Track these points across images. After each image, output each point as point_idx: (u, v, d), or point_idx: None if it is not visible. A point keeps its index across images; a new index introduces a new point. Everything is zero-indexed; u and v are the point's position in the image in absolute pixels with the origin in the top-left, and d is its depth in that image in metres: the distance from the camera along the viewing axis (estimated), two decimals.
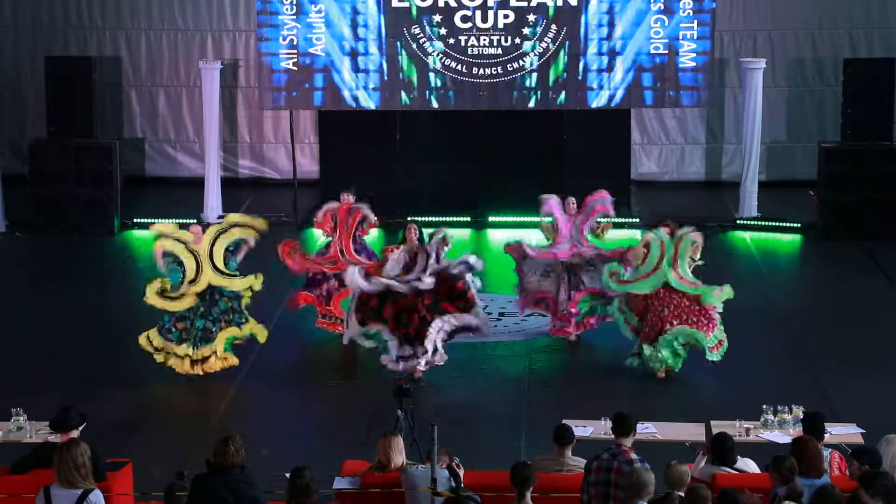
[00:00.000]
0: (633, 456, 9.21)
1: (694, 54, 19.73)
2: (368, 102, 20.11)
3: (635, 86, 19.88)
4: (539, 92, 19.96)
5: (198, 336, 13.93)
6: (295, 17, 19.82)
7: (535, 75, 19.89)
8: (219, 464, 9.02)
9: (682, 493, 8.70)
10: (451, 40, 19.82)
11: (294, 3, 19.78)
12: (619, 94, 19.94)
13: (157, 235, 14.10)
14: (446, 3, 19.76)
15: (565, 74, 19.88)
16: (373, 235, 16.09)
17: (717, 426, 11.16)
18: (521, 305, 15.46)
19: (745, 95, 20.53)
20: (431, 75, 19.94)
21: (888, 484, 8.40)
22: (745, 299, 16.46)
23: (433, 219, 19.12)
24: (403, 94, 20.04)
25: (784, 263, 19.11)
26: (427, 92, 20.02)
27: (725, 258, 18.66)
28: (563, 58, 19.83)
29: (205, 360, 14.00)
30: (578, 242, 14.98)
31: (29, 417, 11.48)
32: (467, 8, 19.76)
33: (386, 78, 19.97)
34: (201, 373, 14.03)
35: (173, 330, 13.96)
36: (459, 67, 19.87)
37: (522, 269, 15.20)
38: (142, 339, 14.03)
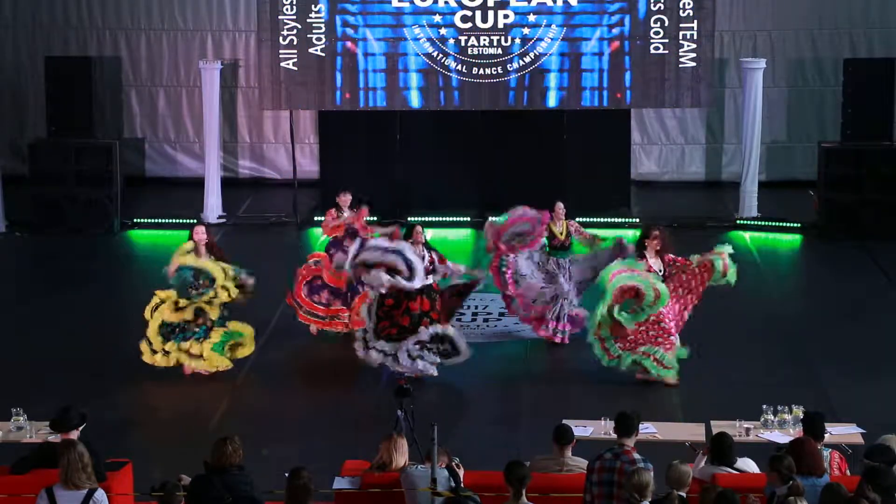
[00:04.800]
0: (636, 456, 9.21)
1: (694, 54, 19.73)
2: (369, 102, 20.11)
3: (635, 86, 19.89)
4: (539, 92, 19.95)
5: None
6: (295, 16, 19.82)
7: (534, 75, 19.88)
8: (216, 464, 9.04)
9: (682, 494, 8.71)
10: (451, 40, 19.82)
11: (294, 2, 19.79)
12: (619, 94, 19.94)
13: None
14: (446, 3, 19.76)
15: (565, 74, 19.88)
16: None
17: (717, 426, 11.16)
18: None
19: (745, 95, 20.53)
20: (431, 75, 19.94)
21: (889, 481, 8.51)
22: (744, 299, 16.50)
23: (433, 219, 19.20)
24: (403, 95, 20.03)
25: (784, 263, 19.10)
26: (427, 92, 20.02)
27: None
28: (562, 58, 19.83)
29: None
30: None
31: (29, 417, 11.49)
32: (467, 8, 19.77)
33: (386, 78, 19.96)
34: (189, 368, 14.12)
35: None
36: (459, 67, 19.87)
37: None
38: (148, 353, 14.09)
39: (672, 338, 13.83)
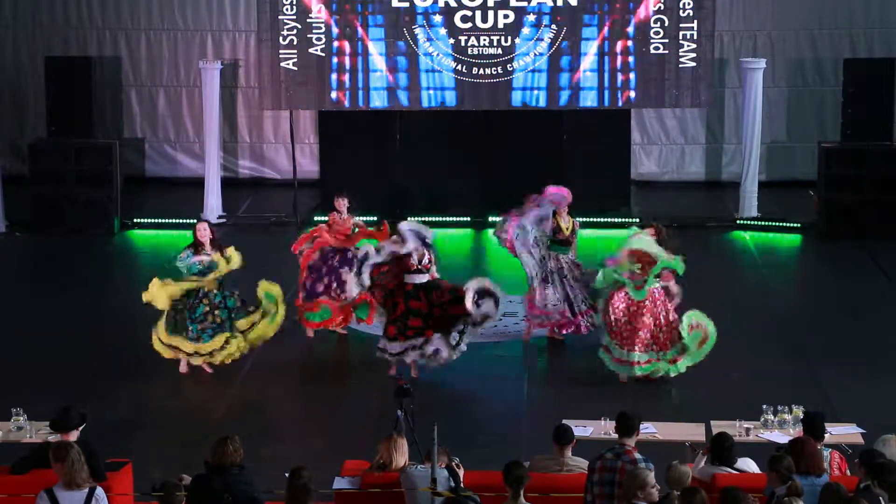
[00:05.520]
0: (637, 455, 9.21)
1: (694, 54, 19.73)
2: (369, 103, 20.10)
3: (635, 86, 19.88)
4: (539, 92, 19.96)
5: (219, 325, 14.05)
6: (295, 17, 19.82)
7: (534, 75, 19.89)
8: (217, 463, 9.05)
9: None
10: (451, 40, 19.82)
11: (294, 3, 19.78)
12: (619, 93, 19.94)
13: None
14: (446, 3, 19.76)
15: (565, 74, 19.87)
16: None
17: (717, 426, 11.16)
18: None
19: (745, 95, 20.52)
20: (431, 75, 19.93)
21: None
22: (744, 299, 16.50)
23: (433, 219, 19.19)
24: (403, 94, 20.03)
25: (784, 263, 19.10)
26: (427, 92, 20.02)
27: (725, 258, 18.68)
28: (562, 57, 19.83)
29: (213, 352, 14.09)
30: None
31: (29, 417, 11.49)
32: (467, 8, 19.76)
33: (386, 78, 19.96)
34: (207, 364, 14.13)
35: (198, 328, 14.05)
36: (459, 67, 19.87)
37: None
38: (156, 344, 14.10)
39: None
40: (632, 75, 19.86)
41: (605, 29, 19.76)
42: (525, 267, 15.04)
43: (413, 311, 13.90)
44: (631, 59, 19.80)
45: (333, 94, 20.08)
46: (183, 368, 14.20)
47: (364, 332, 15.32)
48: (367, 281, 13.92)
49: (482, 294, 13.87)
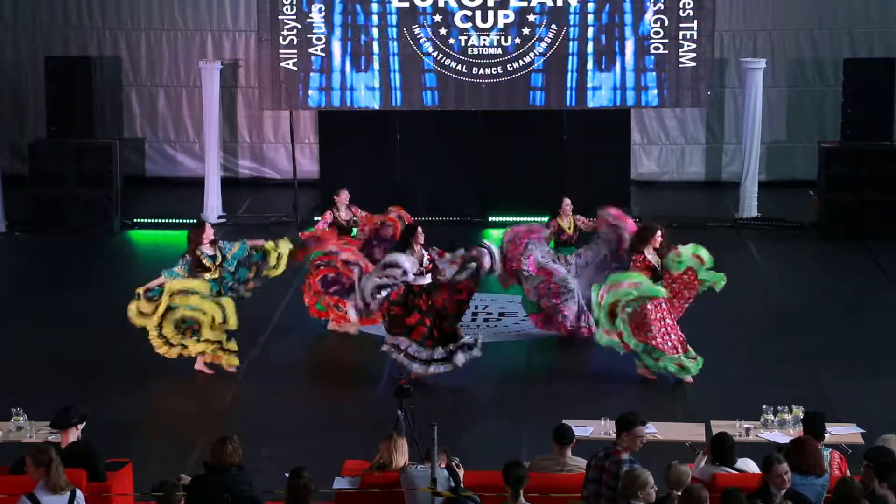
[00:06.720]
0: (624, 456, 9.22)
1: (694, 54, 19.73)
2: (368, 102, 20.10)
3: (635, 86, 19.88)
4: (539, 92, 19.95)
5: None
6: (295, 17, 19.81)
7: (535, 75, 19.88)
8: (216, 463, 9.05)
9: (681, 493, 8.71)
10: (451, 40, 19.82)
11: (294, 2, 19.78)
12: (619, 93, 19.94)
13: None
14: (446, 2, 19.76)
15: (565, 74, 19.87)
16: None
17: (717, 426, 11.16)
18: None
19: (745, 95, 20.53)
20: (431, 75, 19.93)
21: None
22: (744, 299, 16.49)
23: (433, 219, 19.20)
24: (403, 94, 20.02)
25: (784, 263, 19.09)
26: (426, 92, 20.01)
27: (725, 258, 18.65)
28: (562, 57, 19.82)
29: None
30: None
31: (29, 417, 11.49)
32: (467, 8, 19.76)
33: (386, 78, 19.96)
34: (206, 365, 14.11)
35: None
36: (459, 67, 19.86)
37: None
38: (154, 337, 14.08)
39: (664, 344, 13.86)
40: (632, 75, 19.85)
41: (605, 29, 19.75)
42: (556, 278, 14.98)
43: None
44: (631, 59, 19.79)
45: (334, 94, 20.06)
46: (199, 365, 14.19)
47: (367, 333, 15.34)
48: (374, 307, 13.92)
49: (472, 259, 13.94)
